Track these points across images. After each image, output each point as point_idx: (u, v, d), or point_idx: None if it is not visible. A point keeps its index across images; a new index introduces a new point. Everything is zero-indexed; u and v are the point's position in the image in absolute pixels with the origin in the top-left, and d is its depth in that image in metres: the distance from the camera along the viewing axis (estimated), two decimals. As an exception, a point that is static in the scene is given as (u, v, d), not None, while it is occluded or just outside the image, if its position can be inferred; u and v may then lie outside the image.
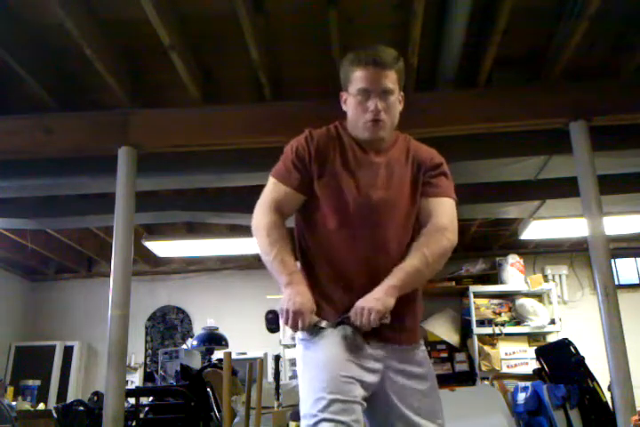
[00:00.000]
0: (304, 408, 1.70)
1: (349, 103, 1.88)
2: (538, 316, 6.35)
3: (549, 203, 4.80)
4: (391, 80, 1.83)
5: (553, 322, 6.36)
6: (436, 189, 1.90)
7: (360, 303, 1.72)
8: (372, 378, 1.76)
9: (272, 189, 1.90)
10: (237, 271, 7.06)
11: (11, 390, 6.25)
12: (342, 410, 1.64)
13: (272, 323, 6.17)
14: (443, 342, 6.57)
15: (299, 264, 1.88)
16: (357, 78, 1.83)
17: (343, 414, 1.64)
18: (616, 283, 3.42)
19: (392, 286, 1.73)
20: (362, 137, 1.88)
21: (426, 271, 1.80)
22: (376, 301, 1.70)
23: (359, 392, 1.70)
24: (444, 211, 1.88)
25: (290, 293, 1.72)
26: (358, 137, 1.89)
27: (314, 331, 1.78)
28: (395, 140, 1.95)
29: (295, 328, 1.73)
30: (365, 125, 1.85)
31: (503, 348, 6.38)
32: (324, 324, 1.76)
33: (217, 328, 5.45)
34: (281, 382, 4.30)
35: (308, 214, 1.89)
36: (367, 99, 1.83)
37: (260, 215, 1.88)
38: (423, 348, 1.91)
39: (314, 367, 1.75)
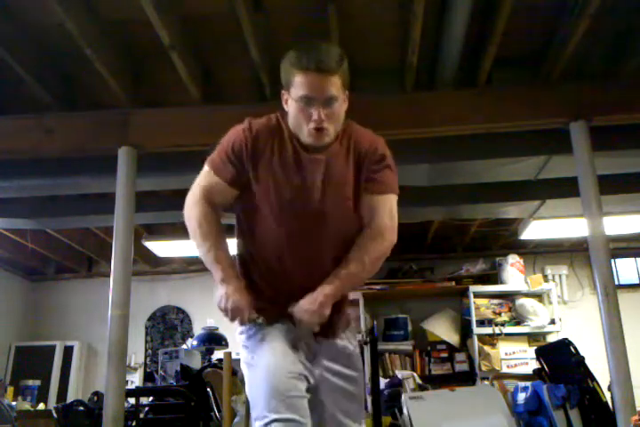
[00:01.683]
0: (255, 412, 1.70)
1: (291, 106, 1.75)
2: (538, 316, 6.34)
3: (549, 203, 4.80)
4: (335, 86, 1.69)
5: (553, 322, 6.36)
6: (379, 185, 1.81)
7: (297, 311, 1.72)
8: (309, 372, 1.77)
9: (205, 178, 1.86)
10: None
11: (11, 390, 6.25)
12: (291, 407, 1.64)
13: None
14: (443, 342, 6.56)
15: (235, 254, 1.88)
16: (299, 84, 1.69)
17: (292, 412, 1.64)
18: (616, 283, 3.42)
19: (329, 295, 1.73)
20: (304, 141, 1.76)
21: (363, 275, 1.83)
22: (312, 313, 1.71)
23: (303, 386, 1.71)
24: (386, 210, 1.81)
25: (225, 290, 1.72)
26: (300, 138, 1.78)
27: (253, 327, 1.80)
28: (336, 135, 1.81)
29: (233, 322, 1.75)
30: (309, 133, 1.73)
31: (503, 348, 6.38)
32: (260, 320, 1.78)
33: (217, 328, 5.44)
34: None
35: (244, 207, 1.85)
36: (310, 106, 1.69)
37: (192, 204, 1.84)
38: (354, 342, 1.93)
39: (258, 369, 1.75)
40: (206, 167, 1.86)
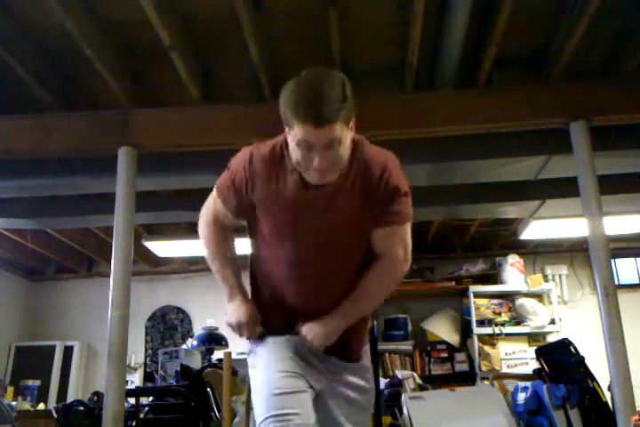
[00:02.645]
0: (256, 413, 1.71)
1: (291, 143, 1.63)
2: (538, 316, 6.34)
3: (549, 203, 4.80)
4: (336, 132, 1.55)
5: (553, 322, 6.35)
6: (391, 217, 1.71)
7: (305, 331, 1.75)
8: (315, 377, 1.78)
9: (214, 202, 1.86)
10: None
11: (11, 390, 6.25)
12: (283, 401, 1.65)
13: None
14: (443, 342, 6.56)
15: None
16: (297, 131, 1.57)
17: (285, 408, 1.64)
18: (616, 283, 3.42)
19: (338, 325, 1.75)
20: (306, 178, 1.67)
21: (375, 304, 1.85)
22: (317, 343, 1.74)
23: (301, 383, 1.72)
24: (399, 241, 1.75)
25: (232, 308, 1.81)
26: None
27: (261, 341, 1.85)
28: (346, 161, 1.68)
29: (242, 337, 1.83)
30: (309, 173, 1.64)
31: (503, 348, 6.37)
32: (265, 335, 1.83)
33: (217, 328, 5.44)
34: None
35: (252, 233, 1.85)
36: (310, 151, 1.58)
37: (203, 225, 1.90)
38: (369, 370, 1.94)
39: (256, 371, 1.79)
40: (215, 190, 1.85)
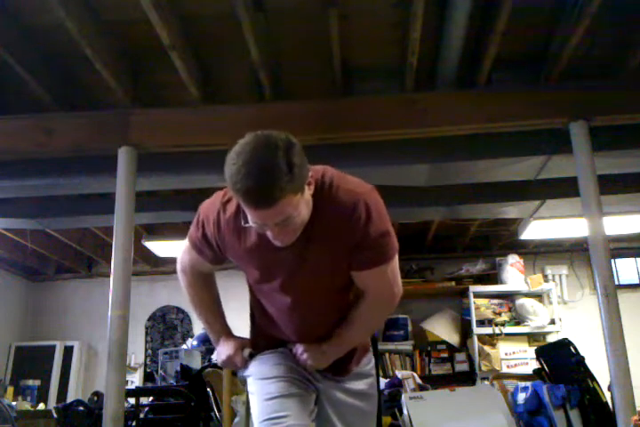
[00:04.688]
0: (254, 422, 1.73)
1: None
2: (538, 316, 6.34)
3: (549, 203, 4.80)
4: (286, 208, 1.44)
5: (553, 322, 6.36)
6: (371, 261, 1.62)
7: (302, 349, 1.78)
8: (309, 382, 1.80)
9: (188, 252, 1.83)
10: (237, 271, 6.92)
11: (11, 390, 6.25)
12: (274, 406, 1.68)
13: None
14: (443, 342, 6.57)
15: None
16: (245, 209, 1.48)
17: (276, 411, 1.66)
18: (616, 283, 3.42)
19: (327, 354, 1.77)
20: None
21: (366, 335, 1.90)
22: (314, 359, 1.76)
23: (294, 387, 1.74)
24: (384, 279, 1.67)
25: (219, 349, 1.89)
26: None
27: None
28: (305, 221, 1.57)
29: (239, 367, 1.88)
30: (270, 239, 1.56)
31: (503, 348, 6.38)
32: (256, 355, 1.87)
33: (217, 328, 5.44)
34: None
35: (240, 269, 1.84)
36: (263, 225, 1.50)
37: (180, 272, 1.91)
38: (371, 376, 1.94)
39: (250, 380, 1.83)
40: (187, 243, 1.82)
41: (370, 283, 1.68)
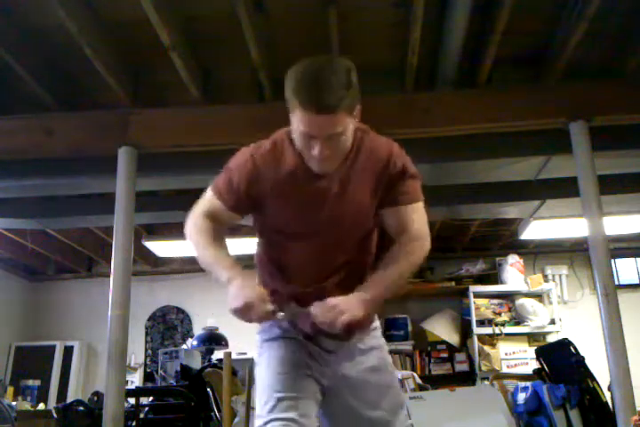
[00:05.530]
0: (257, 410, 1.72)
1: (294, 129, 1.63)
2: (538, 316, 6.34)
3: (549, 203, 4.80)
4: (338, 122, 1.55)
5: (553, 322, 6.36)
6: (406, 196, 1.73)
7: (334, 302, 1.60)
8: (323, 370, 1.76)
9: (207, 200, 1.80)
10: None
11: (11, 390, 6.25)
12: (289, 407, 1.64)
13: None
14: (443, 342, 6.57)
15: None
16: (298, 118, 1.56)
17: (290, 411, 1.63)
18: (616, 283, 3.42)
19: (368, 301, 1.63)
20: (309, 165, 1.67)
21: (400, 282, 1.77)
22: (354, 309, 1.58)
23: (309, 387, 1.71)
24: (418, 218, 1.74)
25: (234, 289, 1.59)
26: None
27: (271, 327, 1.78)
28: (350, 147, 1.70)
29: (251, 321, 1.63)
30: (311, 160, 1.64)
31: (503, 348, 6.38)
32: (280, 316, 1.66)
33: (217, 328, 5.45)
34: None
35: (262, 226, 1.82)
36: (311, 138, 1.58)
37: (191, 223, 1.78)
38: (377, 336, 1.89)
39: (264, 368, 1.76)
40: (209, 192, 1.80)
41: (407, 219, 1.73)
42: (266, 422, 1.64)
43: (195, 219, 1.78)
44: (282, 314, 1.66)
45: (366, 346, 1.84)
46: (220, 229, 1.79)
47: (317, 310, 1.60)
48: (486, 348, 6.30)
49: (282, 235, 1.76)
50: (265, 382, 1.72)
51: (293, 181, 1.69)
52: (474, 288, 6.50)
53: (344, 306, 1.58)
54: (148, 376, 5.94)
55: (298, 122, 1.57)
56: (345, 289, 1.66)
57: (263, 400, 1.69)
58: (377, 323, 1.93)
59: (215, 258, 1.72)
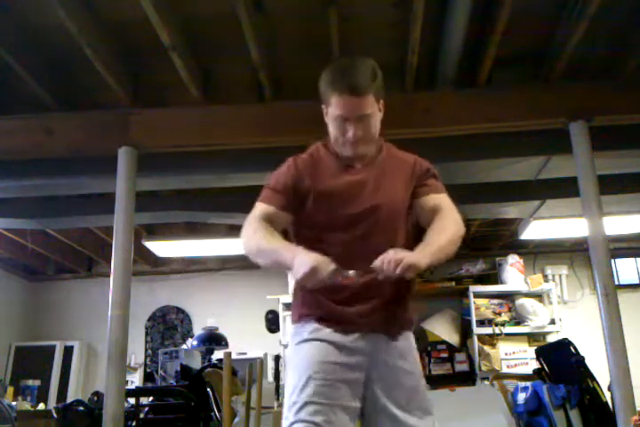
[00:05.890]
0: (284, 411, 1.77)
1: (329, 120, 1.92)
2: (538, 316, 6.34)
3: (549, 203, 4.80)
4: (368, 104, 1.85)
5: (553, 322, 6.36)
6: (434, 188, 2.00)
7: (391, 255, 1.67)
8: (356, 375, 1.79)
9: (258, 209, 1.92)
10: (237, 271, 7.05)
11: (11, 390, 6.25)
12: (315, 411, 1.70)
13: (272, 323, 6.17)
14: (443, 342, 6.56)
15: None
16: (334, 104, 1.86)
17: (316, 415, 1.69)
18: (616, 283, 3.42)
19: (426, 256, 1.72)
20: (345, 154, 1.94)
21: (450, 248, 1.82)
22: (414, 255, 1.69)
23: (338, 394, 1.74)
24: (449, 203, 1.97)
25: (298, 259, 1.67)
26: (342, 153, 1.94)
27: (304, 332, 1.82)
28: (379, 150, 2.00)
29: (322, 283, 1.69)
30: (345, 145, 1.90)
31: (503, 348, 6.38)
32: (350, 273, 1.72)
33: (217, 328, 5.45)
34: (281, 382, 4.30)
35: (294, 226, 1.96)
36: (344, 123, 1.86)
37: (247, 226, 1.87)
38: (412, 339, 1.93)
39: (293, 370, 1.81)
40: (257, 203, 1.94)
41: (441, 203, 1.96)
42: (291, 423, 1.70)
43: (250, 225, 1.88)
44: (351, 272, 1.73)
45: (401, 350, 1.88)
46: (275, 229, 1.87)
47: (378, 262, 1.69)
48: (486, 348, 6.30)
49: (318, 229, 1.90)
50: (295, 384, 1.77)
51: (333, 178, 1.92)
52: (474, 288, 6.50)
53: (404, 253, 1.69)
54: (147, 376, 5.94)
55: (333, 108, 1.85)
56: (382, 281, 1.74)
57: (291, 401, 1.75)
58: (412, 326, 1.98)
59: (275, 247, 1.80)
